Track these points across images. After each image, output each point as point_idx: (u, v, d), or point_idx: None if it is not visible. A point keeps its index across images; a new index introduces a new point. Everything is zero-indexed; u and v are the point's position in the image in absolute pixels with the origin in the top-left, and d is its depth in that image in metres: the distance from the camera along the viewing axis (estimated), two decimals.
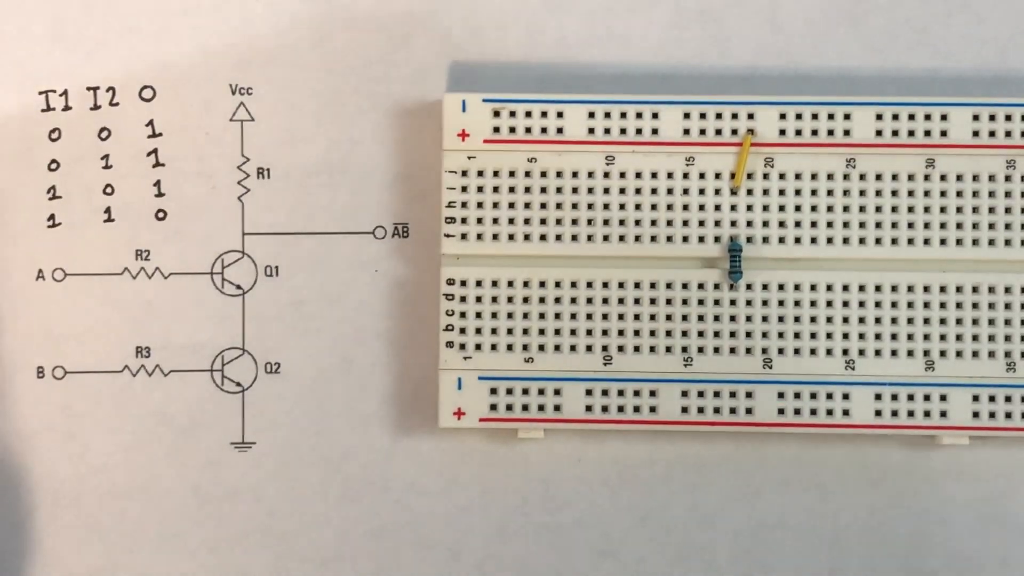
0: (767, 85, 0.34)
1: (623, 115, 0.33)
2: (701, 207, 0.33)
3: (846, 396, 0.33)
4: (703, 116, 0.33)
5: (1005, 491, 0.34)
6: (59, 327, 0.34)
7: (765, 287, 0.33)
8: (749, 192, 0.33)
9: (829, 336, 0.33)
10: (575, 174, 0.33)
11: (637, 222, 0.33)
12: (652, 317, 0.33)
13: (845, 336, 0.33)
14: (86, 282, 0.35)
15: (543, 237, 0.33)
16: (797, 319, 0.33)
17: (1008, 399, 0.32)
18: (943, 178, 0.33)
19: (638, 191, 0.33)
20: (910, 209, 0.33)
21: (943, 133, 0.33)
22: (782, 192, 0.33)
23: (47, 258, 0.35)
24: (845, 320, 0.33)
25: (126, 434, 0.34)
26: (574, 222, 0.33)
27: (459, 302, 0.33)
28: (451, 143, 0.33)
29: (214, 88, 0.35)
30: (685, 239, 0.33)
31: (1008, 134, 0.33)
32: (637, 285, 0.33)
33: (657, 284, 0.33)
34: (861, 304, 0.33)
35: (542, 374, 0.33)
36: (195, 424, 0.34)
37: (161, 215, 0.35)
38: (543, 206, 0.33)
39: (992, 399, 0.32)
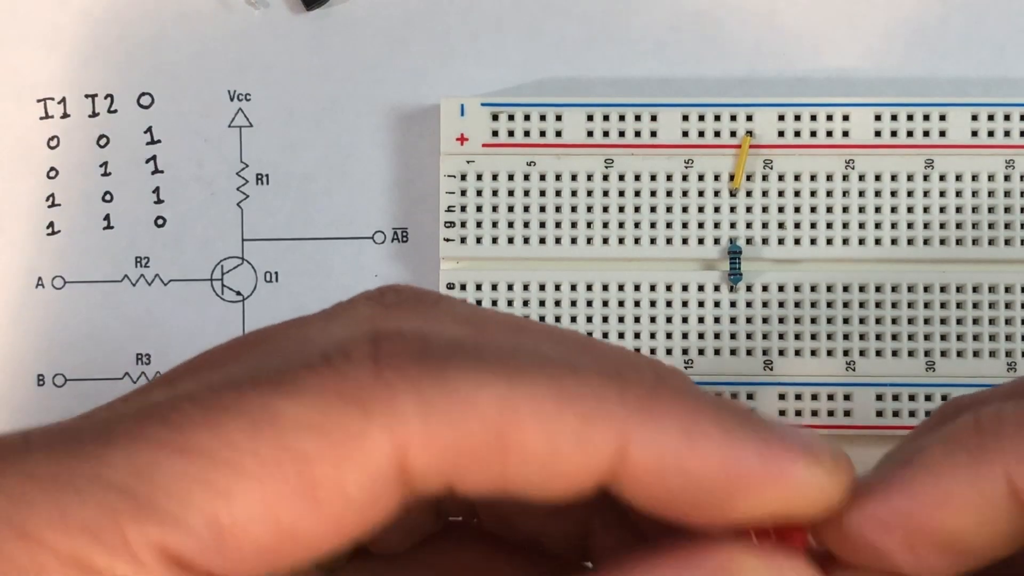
0: (765, 87, 0.34)
1: (622, 118, 0.33)
2: (700, 209, 0.33)
3: (847, 397, 0.33)
4: (702, 118, 0.33)
5: None
6: (59, 335, 0.34)
7: (765, 288, 0.33)
8: (748, 194, 0.33)
9: (830, 337, 0.33)
10: (574, 177, 0.33)
11: (636, 224, 0.33)
12: (652, 319, 0.33)
13: (846, 337, 0.33)
14: (86, 290, 0.34)
15: (543, 240, 0.33)
16: (797, 320, 0.33)
17: None
18: (942, 178, 0.33)
19: (637, 193, 0.33)
20: (909, 209, 0.33)
21: (942, 134, 0.33)
22: (781, 193, 0.33)
23: (46, 266, 0.35)
24: (845, 321, 0.33)
25: None
26: (573, 225, 0.33)
27: None
28: (449, 147, 0.33)
29: (212, 94, 0.35)
30: (685, 241, 0.33)
31: (1007, 134, 0.33)
32: (637, 288, 0.33)
33: (657, 286, 0.33)
34: (861, 304, 0.33)
35: None
36: None
37: (160, 222, 0.35)
38: (542, 209, 0.33)
39: None
